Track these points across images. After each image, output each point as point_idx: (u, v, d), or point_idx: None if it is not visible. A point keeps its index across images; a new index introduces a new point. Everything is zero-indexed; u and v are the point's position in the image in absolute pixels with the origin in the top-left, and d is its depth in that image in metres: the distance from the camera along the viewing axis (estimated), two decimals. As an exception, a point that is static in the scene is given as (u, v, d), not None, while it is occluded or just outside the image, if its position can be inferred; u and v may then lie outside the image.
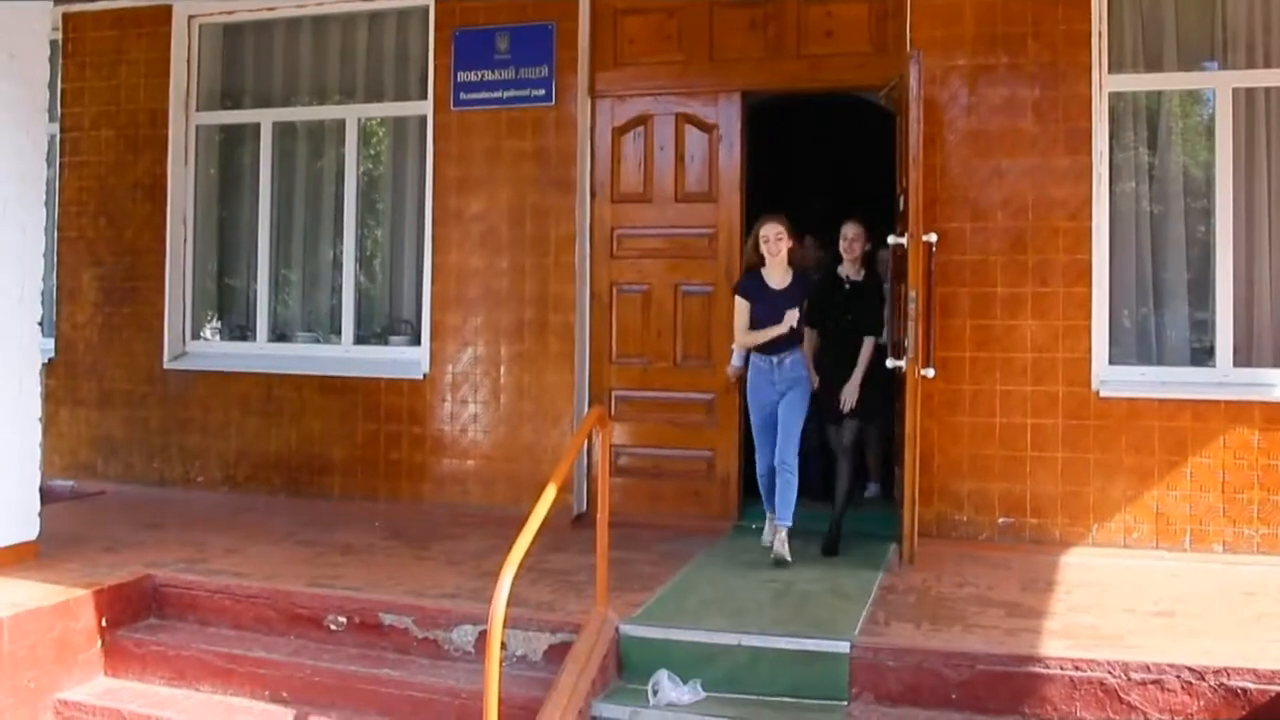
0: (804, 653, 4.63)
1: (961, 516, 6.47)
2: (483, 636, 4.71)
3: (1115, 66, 6.41)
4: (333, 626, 5.33)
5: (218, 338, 8.52)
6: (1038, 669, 4.37)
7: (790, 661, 4.64)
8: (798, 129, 8.98)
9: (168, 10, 8.18)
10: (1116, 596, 5.36)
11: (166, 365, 8.25)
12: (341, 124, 8.06)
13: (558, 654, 4.86)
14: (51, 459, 8.44)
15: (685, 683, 4.64)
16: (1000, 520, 6.41)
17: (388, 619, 5.26)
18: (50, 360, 8.45)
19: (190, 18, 8.23)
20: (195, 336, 8.45)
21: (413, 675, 4.95)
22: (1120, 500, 6.26)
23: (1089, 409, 6.29)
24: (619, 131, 7.33)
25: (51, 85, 8.19)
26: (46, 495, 7.56)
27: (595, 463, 7.17)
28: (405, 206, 7.99)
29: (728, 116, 7.10)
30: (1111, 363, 6.39)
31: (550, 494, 4.37)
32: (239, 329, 8.47)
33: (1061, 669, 4.36)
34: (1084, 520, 6.30)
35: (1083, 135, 6.30)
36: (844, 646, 4.59)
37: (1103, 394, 6.28)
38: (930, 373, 5.95)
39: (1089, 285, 6.29)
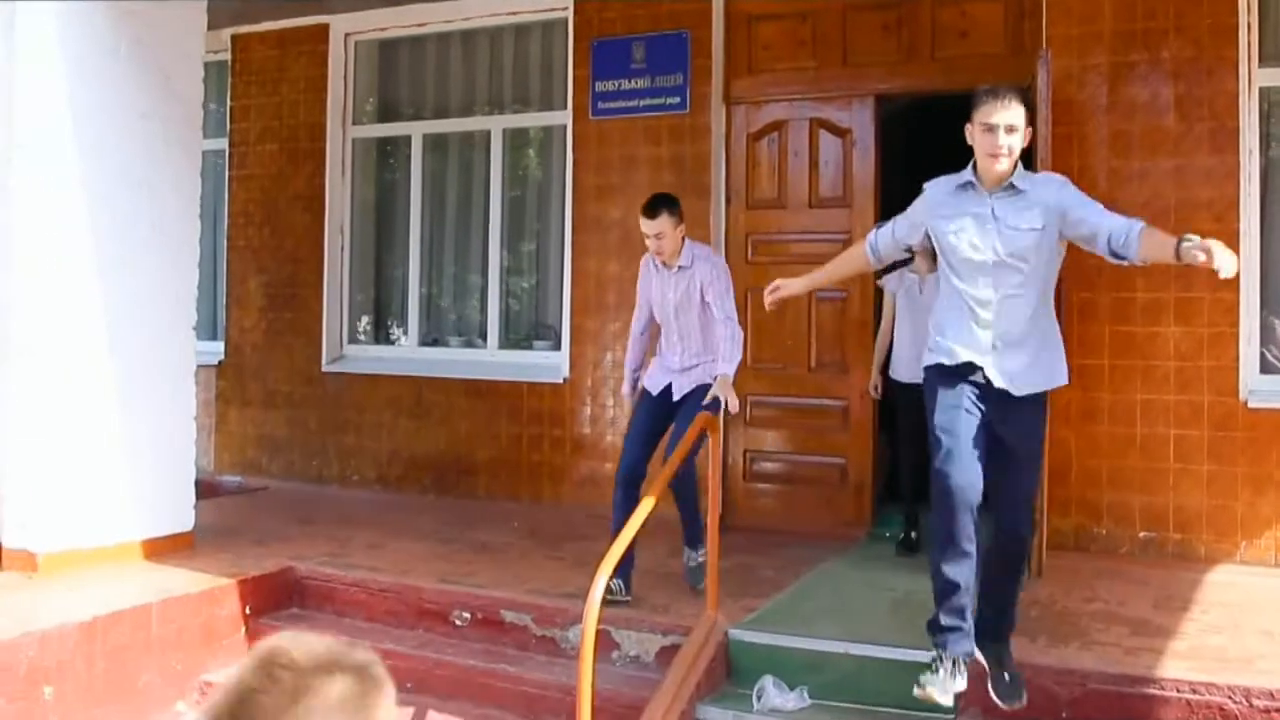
0: (911, 663, 4.55)
1: (1100, 530, 6.26)
2: (598, 636, 4.79)
3: (1267, 60, 6.10)
4: (457, 622, 5.50)
5: (399, 341, 8.87)
6: (1153, 690, 4.21)
7: (897, 672, 4.58)
8: (934, 132, 8.80)
9: (326, 29, 8.58)
10: (1256, 618, 5.09)
11: (324, 368, 8.65)
12: (487, 134, 8.31)
13: (669, 656, 4.90)
14: (222, 456, 8.98)
15: (792, 689, 4.64)
16: (1141, 534, 6.18)
17: (508, 616, 5.40)
18: (220, 362, 8.98)
19: (347, 35, 8.62)
20: (353, 340, 8.84)
21: (529, 671, 5.07)
22: (1271, 516, 5.95)
23: (1237, 420, 6.00)
24: (753, 138, 7.34)
25: (221, 103, 8.78)
26: (215, 490, 8.08)
27: (731, 467, 7.24)
28: (549, 214, 8.19)
29: (861, 121, 7.04)
30: (1262, 371, 6.08)
31: (651, 499, 4.44)
32: (392, 333, 8.82)
33: (1178, 691, 4.18)
34: (1231, 537, 6.01)
35: (1229, 134, 6.01)
36: (951, 659, 4.51)
37: (1251, 404, 5.98)
38: (1061, 381, 5.77)
39: (1236, 290, 5.96)
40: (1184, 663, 4.41)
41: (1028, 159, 6.02)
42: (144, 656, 5.10)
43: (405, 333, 8.69)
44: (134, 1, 5.95)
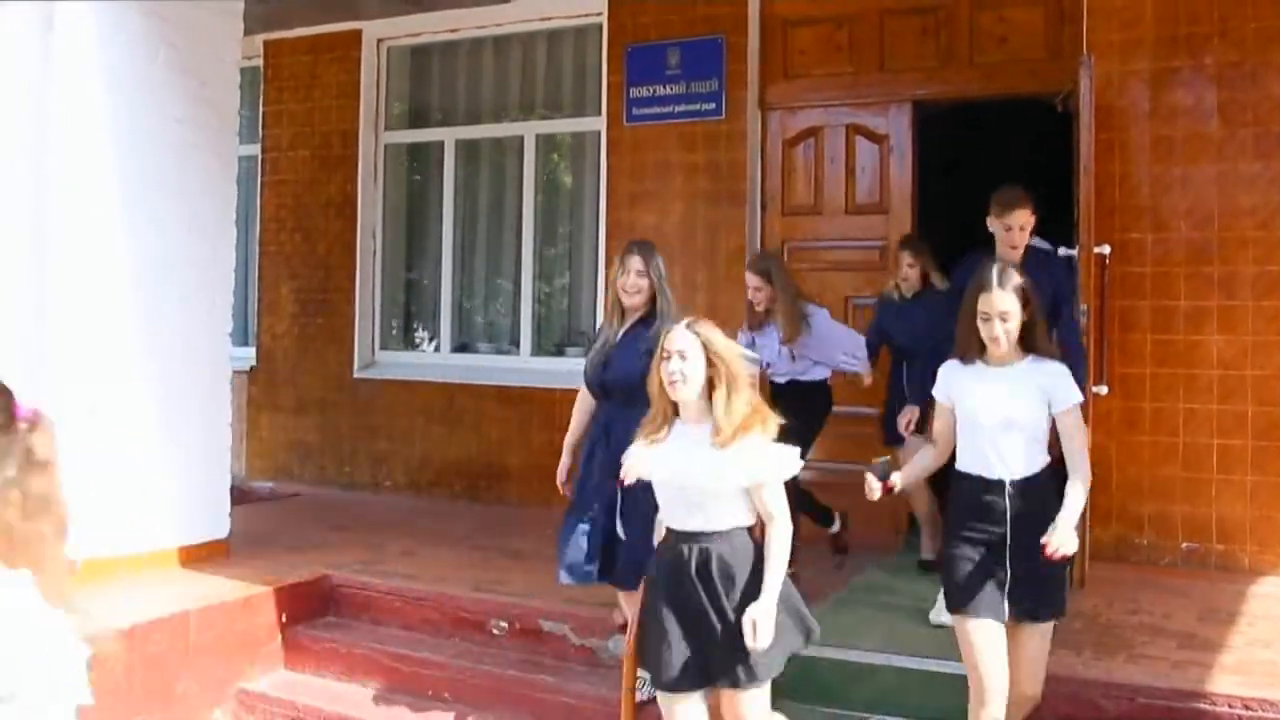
0: (953, 676, 4.49)
1: (1141, 540, 6.19)
2: (635, 646, 4.76)
3: (1314, 64, 6.03)
4: (495, 631, 5.47)
5: (427, 347, 8.86)
6: (1203, 705, 4.14)
7: (939, 684, 4.52)
8: (975, 138, 8.73)
9: (358, 34, 8.58)
10: (1304, 631, 5.02)
11: (356, 374, 8.65)
12: (520, 141, 8.29)
13: (709, 667, 4.86)
14: (254, 462, 8.97)
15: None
16: (1183, 545, 6.10)
17: (547, 625, 5.36)
18: (252, 368, 8.97)
19: (379, 41, 8.63)
20: (385, 346, 8.83)
21: (567, 682, 5.03)
22: (1317, 528, 5.87)
23: (1281, 430, 5.93)
24: (789, 144, 7.29)
25: (254, 109, 8.77)
26: (247, 496, 8.05)
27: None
28: (582, 220, 8.16)
29: (898, 127, 6.98)
30: (1307, 381, 6.00)
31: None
32: (423, 339, 8.81)
33: (1230, 707, 4.11)
34: (1275, 548, 5.93)
35: (1274, 139, 5.92)
36: (996, 672, 4.45)
37: (1296, 414, 5.91)
38: (1103, 389, 5.71)
39: (1281, 298, 5.93)
40: (1233, 677, 4.34)
41: (1072, 167, 6.00)
42: (181, 664, 5.10)
43: (437, 339, 8.68)
44: (171, 3, 5.96)
